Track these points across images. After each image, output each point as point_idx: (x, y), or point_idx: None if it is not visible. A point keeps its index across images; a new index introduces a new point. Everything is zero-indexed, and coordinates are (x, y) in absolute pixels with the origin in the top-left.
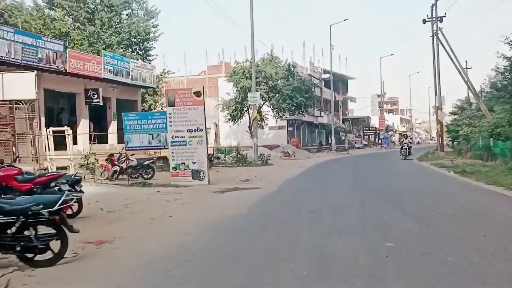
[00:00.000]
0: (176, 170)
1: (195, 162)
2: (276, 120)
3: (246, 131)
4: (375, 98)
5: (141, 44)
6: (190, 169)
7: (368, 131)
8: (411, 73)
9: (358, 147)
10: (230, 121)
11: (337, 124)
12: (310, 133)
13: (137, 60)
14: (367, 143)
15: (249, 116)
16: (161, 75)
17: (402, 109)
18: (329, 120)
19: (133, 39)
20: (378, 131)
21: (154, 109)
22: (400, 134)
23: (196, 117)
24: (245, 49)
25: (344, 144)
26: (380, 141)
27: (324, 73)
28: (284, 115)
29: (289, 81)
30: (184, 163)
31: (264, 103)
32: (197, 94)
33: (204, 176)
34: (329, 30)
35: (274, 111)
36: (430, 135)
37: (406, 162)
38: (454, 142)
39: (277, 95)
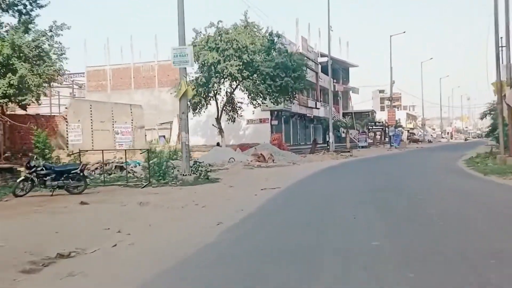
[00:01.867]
0: None
1: None
2: (253, 111)
3: (213, 125)
4: (377, 94)
5: None
6: None
7: (374, 127)
8: (423, 60)
9: (362, 147)
10: (191, 111)
11: (336, 117)
12: (303, 128)
13: None
14: (372, 141)
15: (217, 104)
16: None
17: (405, 106)
18: (327, 113)
19: None
20: (386, 127)
21: None
22: (408, 131)
23: None
24: None
25: (345, 143)
26: (388, 139)
27: (321, 57)
28: (264, 102)
29: (270, 55)
30: None
31: (237, 86)
32: None
33: None
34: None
35: (250, 96)
36: (443, 132)
37: (460, 175)
38: None
39: (254, 74)
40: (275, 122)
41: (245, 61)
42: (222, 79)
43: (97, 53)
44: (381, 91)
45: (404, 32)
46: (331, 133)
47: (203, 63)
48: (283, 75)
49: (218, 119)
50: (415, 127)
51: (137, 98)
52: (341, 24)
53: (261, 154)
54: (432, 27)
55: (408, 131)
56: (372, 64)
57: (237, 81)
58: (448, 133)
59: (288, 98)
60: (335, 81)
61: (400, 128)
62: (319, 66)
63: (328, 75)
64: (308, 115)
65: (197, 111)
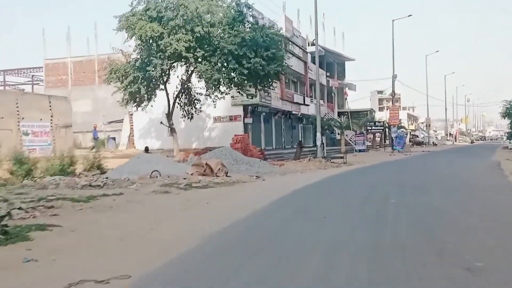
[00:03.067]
0: None
1: None
2: (214, 104)
3: (161, 123)
4: (375, 95)
5: None
6: None
7: (373, 128)
8: (428, 53)
9: (360, 150)
10: (133, 106)
11: (328, 116)
12: (289, 129)
13: None
14: (371, 144)
15: (167, 96)
16: None
17: (404, 107)
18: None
19: None
20: (387, 128)
21: None
22: (410, 133)
23: None
24: None
25: (340, 146)
26: (389, 141)
27: (311, 46)
28: (227, 92)
29: (235, 29)
30: None
31: (192, 71)
32: None
33: None
34: None
35: (207, 83)
36: (448, 134)
37: None
38: None
39: (216, 53)
40: (249, 120)
41: (199, 35)
42: (167, 61)
43: (58, 44)
44: (380, 92)
45: (410, 15)
46: (318, 134)
47: (141, 38)
48: (252, 55)
49: (169, 116)
50: (417, 128)
51: (102, 95)
52: (336, 14)
53: (206, 164)
54: (437, 19)
55: (410, 132)
56: (371, 59)
57: (189, 64)
58: (452, 135)
59: (262, 87)
60: (328, 74)
61: (403, 129)
62: (309, 55)
63: (322, 67)
64: (294, 112)
65: (141, 104)
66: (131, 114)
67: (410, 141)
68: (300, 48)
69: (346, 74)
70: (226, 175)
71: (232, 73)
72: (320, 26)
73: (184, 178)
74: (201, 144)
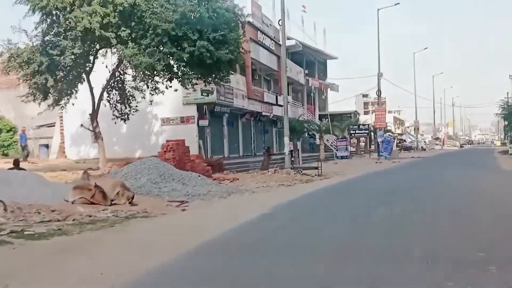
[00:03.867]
0: None
1: None
2: (150, 102)
3: (81, 125)
4: (360, 99)
5: None
6: None
7: (357, 132)
8: (416, 51)
9: (342, 157)
10: (34, 101)
11: (304, 116)
12: (260, 133)
13: None
14: (355, 149)
15: (91, 91)
16: None
17: (390, 110)
18: (296, 112)
19: None
20: (372, 131)
21: None
22: (397, 137)
23: None
24: None
25: (319, 152)
26: (375, 147)
27: (288, 40)
28: (167, 85)
29: (171, 2)
30: None
31: (121, 61)
32: None
33: None
34: None
35: (136, 72)
36: (436, 138)
37: None
38: None
39: (148, 33)
40: (204, 123)
41: (122, 8)
42: (80, 43)
43: None
44: (365, 95)
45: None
46: (286, 139)
47: (44, 10)
48: (195, 37)
49: (93, 116)
50: (404, 132)
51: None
52: (318, 9)
53: (95, 187)
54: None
55: (396, 137)
56: (355, 59)
57: (111, 47)
58: (439, 139)
59: (212, 80)
60: (306, 71)
61: (390, 133)
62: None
63: (301, 66)
64: (265, 113)
65: (60, 102)
66: (61, 116)
67: (397, 146)
68: (271, 39)
69: (328, 73)
70: (130, 202)
71: (169, 59)
72: (298, 19)
73: (53, 210)
74: (146, 152)
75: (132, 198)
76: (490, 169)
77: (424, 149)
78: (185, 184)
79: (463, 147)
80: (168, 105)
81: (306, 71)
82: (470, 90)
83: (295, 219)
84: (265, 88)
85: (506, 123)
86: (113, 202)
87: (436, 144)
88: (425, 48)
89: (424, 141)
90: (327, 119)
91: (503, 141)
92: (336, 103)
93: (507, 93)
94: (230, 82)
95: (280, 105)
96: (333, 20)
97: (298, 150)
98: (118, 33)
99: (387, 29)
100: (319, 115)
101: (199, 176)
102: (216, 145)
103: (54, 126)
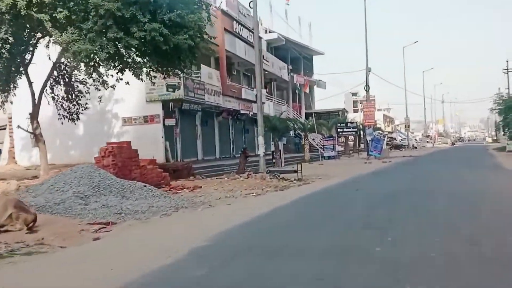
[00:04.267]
0: None
1: None
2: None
3: (18, 126)
4: (349, 98)
5: None
6: None
7: (345, 130)
8: (405, 45)
9: (330, 157)
10: None
11: (286, 114)
12: (240, 133)
13: None
14: (343, 149)
15: (30, 88)
16: None
17: (379, 109)
18: (280, 110)
19: None
20: (361, 129)
21: None
22: (387, 135)
23: None
24: None
25: (303, 153)
26: (364, 145)
27: (269, 33)
28: (118, 77)
29: None
30: None
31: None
32: None
33: None
34: None
35: (75, 61)
36: (427, 136)
37: None
38: None
39: (90, 15)
40: (171, 122)
41: None
42: (5, 26)
43: None
44: (354, 94)
45: None
46: (260, 139)
47: None
48: (146, 19)
49: (33, 115)
50: (394, 130)
51: None
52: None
53: None
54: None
55: (387, 135)
56: (343, 55)
57: (45, 32)
58: (430, 137)
59: (172, 70)
60: (291, 67)
61: (380, 131)
62: (264, 43)
63: (285, 62)
64: (243, 111)
65: None
66: (10, 118)
67: (387, 144)
68: (249, 31)
69: (314, 70)
70: (29, 227)
71: (116, 46)
72: (282, 12)
73: None
74: None
75: (33, 222)
76: (492, 168)
77: (415, 147)
78: (125, 198)
79: (454, 144)
80: (130, 102)
81: (290, 67)
82: (460, 86)
83: (228, 263)
84: (245, 84)
85: (501, 118)
86: (3, 229)
87: (427, 142)
88: (415, 42)
89: (415, 139)
90: (312, 118)
91: (494, 137)
92: (325, 101)
93: (499, 88)
94: (199, 76)
95: (262, 103)
96: (320, 15)
97: (280, 150)
98: (54, 15)
99: (376, 24)
100: (306, 113)
101: (145, 186)
102: (187, 147)
103: (5, 129)
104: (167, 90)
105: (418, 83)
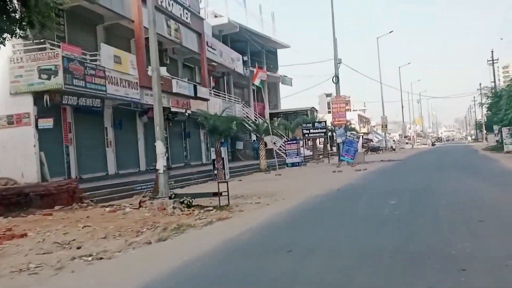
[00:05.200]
0: None
1: None
2: None
3: None
4: (323, 99)
5: None
6: None
7: (312, 131)
8: (379, 35)
9: (293, 164)
10: None
11: (229, 109)
12: (178, 138)
13: None
14: (311, 153)
15: None
16: None
17: (354, 109)
18: (234, 109)
19: None
20: (332, 129)
21: None
22: (362, 136)
23: None
24: None
25: (259, 160)
26: (336, 148)
27: (215, 18)
28: None
29: None
30: None
31: None
32: None
33: None
34: None
35: None
36: (406, 137)
37: None
38: None
39: None
40: (47, 124)
41: None
42: None
43: None
44: (328, 95)
45: None
46: (158, 144)
47: None
48: None
49: None
50: (370, 131)
51: None
52: None
53: None
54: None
55: (362, 136)
56: (311, 51)
57: None
58: (408, 137)
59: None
60: (245, 58)
61: (353, 132)
62: (210, 28)
63: (238, 52)
64: (175, 109)
65: None
66: None
67: (363, 147)
68: (186, 9)
69: (279, 65)
70: None
71: None
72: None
73: None
74: None
75: None
76: (501, 176)
77: (394, 149)
78: None
79: (435, 145)
80: None
81: (245, 58)
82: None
83: None
84: (186, 77)
85: (490, 112)
86: None
87: (406, 143)
88: (390, 32)
89: (393, 140)
90: (282, 117)
91: (473, 137)
92: (296, 102)
93: (480, 83)
94: (99, 58)
95: (205, 99)
96: (286, 6)
97: (222, 159)
98: None
99: (347, 17)
100: (270, 113)
101: None
102: (89, 159)
103: None
104: (40, 77)
105: (395, 79)
